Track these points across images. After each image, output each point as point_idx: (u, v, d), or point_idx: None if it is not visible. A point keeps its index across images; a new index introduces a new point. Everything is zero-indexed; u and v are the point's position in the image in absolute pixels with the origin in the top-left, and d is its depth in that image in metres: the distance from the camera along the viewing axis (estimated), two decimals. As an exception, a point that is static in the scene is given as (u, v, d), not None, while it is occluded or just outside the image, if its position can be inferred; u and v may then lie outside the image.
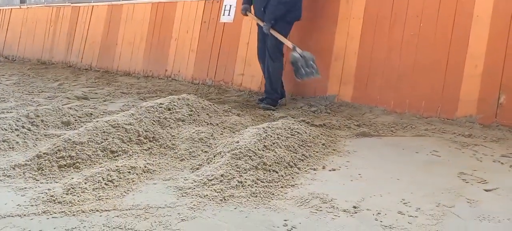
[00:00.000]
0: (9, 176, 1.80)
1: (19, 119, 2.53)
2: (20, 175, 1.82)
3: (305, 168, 1.96)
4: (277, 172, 1.84)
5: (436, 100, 3.06)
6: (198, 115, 2.76)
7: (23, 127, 2.45)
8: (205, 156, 2.09)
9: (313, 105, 3.39)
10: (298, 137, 2.24)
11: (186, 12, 5.13)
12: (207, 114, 2.84)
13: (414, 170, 1.98)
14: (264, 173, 1.81)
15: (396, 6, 3.34)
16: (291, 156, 2.01)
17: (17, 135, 2.35)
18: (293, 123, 2.44)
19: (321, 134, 2.49)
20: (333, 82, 3.63)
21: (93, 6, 6.40)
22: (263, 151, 1.97)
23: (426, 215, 1.49)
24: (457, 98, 2.97)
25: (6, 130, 2.35)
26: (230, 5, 4.70)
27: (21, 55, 7.51)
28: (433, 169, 2.00)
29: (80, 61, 6.25)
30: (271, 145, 2.05)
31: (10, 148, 2.20)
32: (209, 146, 2.23)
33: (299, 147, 2.15)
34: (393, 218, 1.46)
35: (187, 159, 2.07)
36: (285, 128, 2.28)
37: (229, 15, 4.68)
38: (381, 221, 1.44)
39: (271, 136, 2.12)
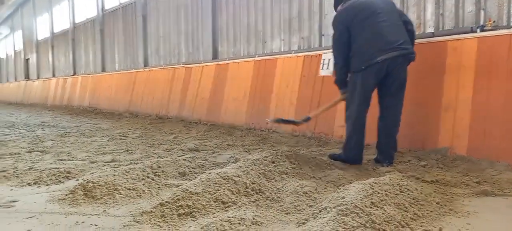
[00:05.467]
0: (138, 221, 2.04)
1: (145, 169, 2.87)
2: (147, 221, 2.05)
3: (418, 228, 1.83)
4: (387, 232, 1.75)
5: None
6: (301, 168, 2.81)
7: (147, 177, 2.78)
8: (310, 210, 2.10)
9: (423, 159, 3.18)
10: (408, 194, 2.12)
11: (286, 67, 5.38)
12: (309, 167, 2.87)
13: (555, 238, 1.71)
14: (373, 232, 1.74)
15: (516, 51, 3.05)
16: (402, 215, 1.90)
17: (143, 184, 2.67)
18: (401, 179, 2.32)
19: (434, 191, 2.31)
20: (444, 134, 3.38)
21: (203, 66, 7.13)
22: (370, 208, 1.90)
23: None
24: None
25: (134, 179, 2.69)
26: (329, 59, 4.80)
27: (143, 111, 8.60)
28: None
29: (191, 115, 6.91)
30: (379, 202, 1.97)
31: (137, 195, 2.50)
32: (313, 200, 2.24)
33: (410, 205, 2.02)
34: None
35: (293, 213, 2.11)
36: (393, 184, 2.18)
37: (328, 68, 4.78)
38: None
39: (378, 193, 2.05)
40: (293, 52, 5.54)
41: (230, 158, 3.52)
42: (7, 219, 2.09)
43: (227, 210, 2.13)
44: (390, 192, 2.09)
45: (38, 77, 18.85)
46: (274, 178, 2.57)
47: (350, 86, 3.14)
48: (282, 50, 6.17)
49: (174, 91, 7.71)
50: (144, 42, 10.25)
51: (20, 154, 3.96)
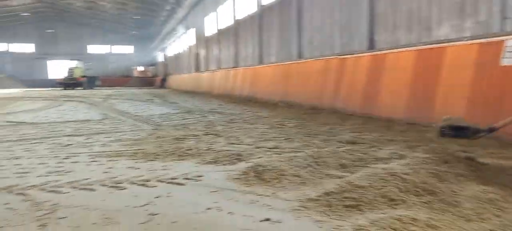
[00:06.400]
0: (306, 207, 2.14)
1: (306, 158, 2.99)
2: (314, 208, 2.13)
3: None
4: None
5: None
6: (481, 171, 2.48)
7: (310, 166, 2.89)
8: (498, 220, 1.84)
9: None
10: None
11: (456, 56, 4.79)
12: (491, 171, 2.51)
13: None
14: None
15: None
16: None
17: (306, 172, 2.78)
18: None
19: None
20: None
21: (357, 57, 6.95)
22: None
23: None
24: None
25: (298, 166, 2.83)
26: (516, 46, 4.07)
27: (296, 101, 8.93)
28: None
29: (345, 107, 6.84)
30: None
31: (302, 182, 2.61)
32: (501, 210, 1.95)
33: None
34: None
35: (475, 221, 1.88)
36: None
37: (513, 57, 4.06)
38: None
39: None
40: (465, 39, 4.90)
41: (392, 153, 3.35)
42: (197, 191, 2.48)
43: (395, 208, 2.05)
44: None
45: (206, 69, 21.58)
46: (448, 179, 2.34)
47: None
48: (450, 37, 5.53)
49: (327, 83, 7.75)
50: (298, 34, 10.60)
51: (199, 136, 4.61)
